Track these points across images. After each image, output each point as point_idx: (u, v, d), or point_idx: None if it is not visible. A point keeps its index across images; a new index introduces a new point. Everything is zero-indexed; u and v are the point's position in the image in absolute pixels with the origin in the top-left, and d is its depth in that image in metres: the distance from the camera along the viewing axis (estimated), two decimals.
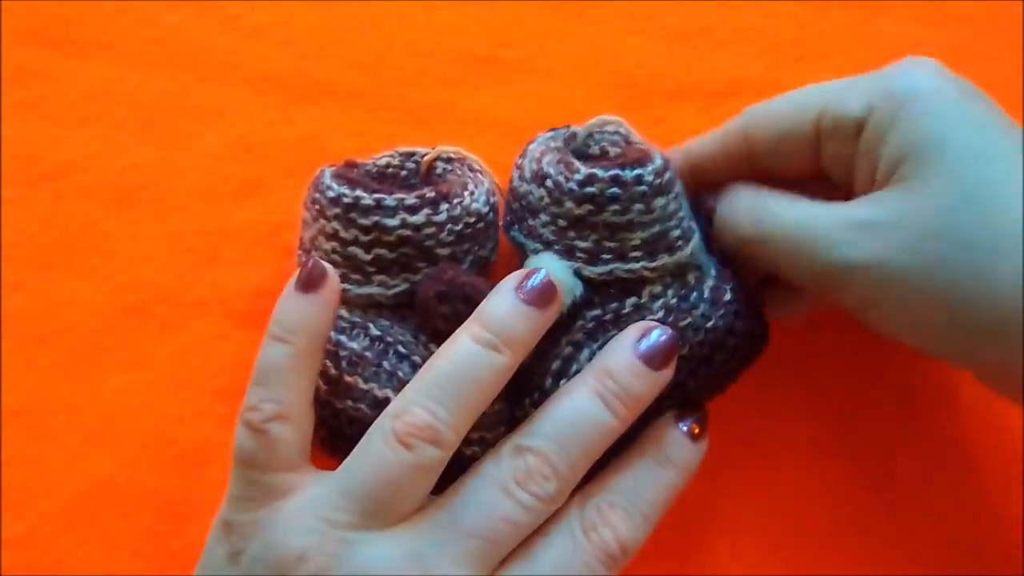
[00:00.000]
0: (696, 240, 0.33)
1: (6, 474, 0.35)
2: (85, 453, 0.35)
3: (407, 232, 0.31)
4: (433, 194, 0.31)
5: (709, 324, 0.31)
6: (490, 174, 0.34)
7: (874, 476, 0.35)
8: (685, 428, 0.31)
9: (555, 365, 0.31)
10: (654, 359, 0.29)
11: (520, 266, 0.32)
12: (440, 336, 0.31)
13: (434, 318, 0.30)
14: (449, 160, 0.35)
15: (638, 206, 0.31)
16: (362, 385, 0.30)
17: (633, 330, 0.30)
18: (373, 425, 0.28)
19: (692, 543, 0.35)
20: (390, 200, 0.31)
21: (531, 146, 0.34)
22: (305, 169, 0.34)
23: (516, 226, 0.33)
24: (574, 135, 0.35)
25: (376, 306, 0.32)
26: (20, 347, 0.36)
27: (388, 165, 0.35)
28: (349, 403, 0.30)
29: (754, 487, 0.35)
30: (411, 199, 0.31)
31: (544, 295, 0.29)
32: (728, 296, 0.32)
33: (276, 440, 0.28)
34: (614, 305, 0.32)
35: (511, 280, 0.29)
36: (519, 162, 0.34)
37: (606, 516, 0.28)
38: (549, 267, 0.31)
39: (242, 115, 0.39)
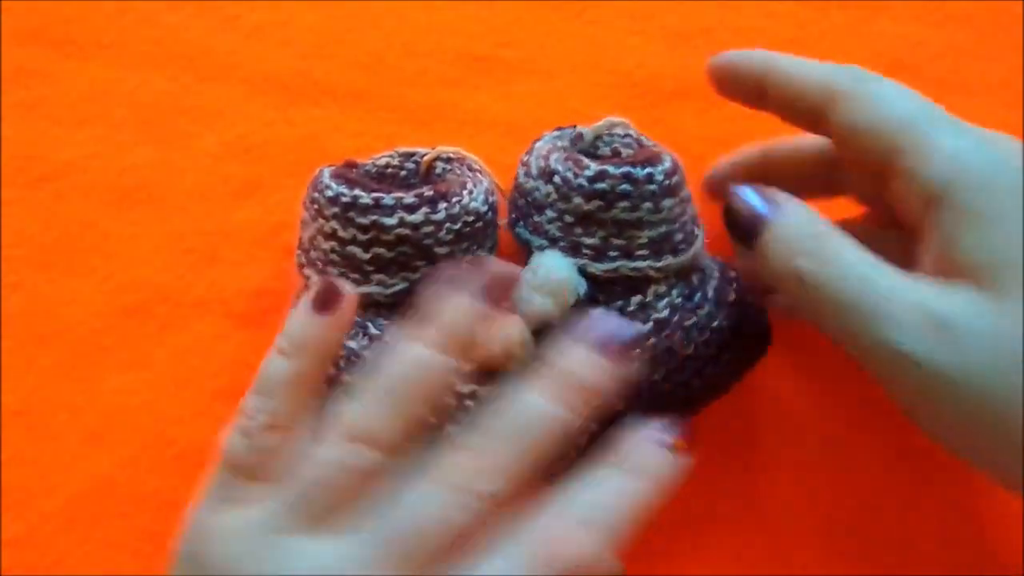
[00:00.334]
0: (699, 243, 0.33)
1: (6, 474, 0.35)
2: (85, 453, 0.35)
3: (405, 231, 0.31)
4: (431, 193, 0.31)
5: (714, 324, 0.31)
6: (489, 174, 0.34)
7: (876, 477, 0.35)
8: (661, 438, 0.27)
9: None
10: (607, 348, 0.27)
11: (524, 263, 0.32)
12: None
13: None
14: (449, 160, 0.35)
15: (647, 204, 0.31)
16: None
17: (587, 320, 0.28)
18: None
19: (692, 543, 0.35)
20: (388, 199, 0.31)
21: (538, 144, 0.34)
22: (305, 169, 0.33)
23: (521, 223, 0.33)
24: (581, 135, 0.35)
25: (375, 305, 0.32)
26: (20, 347, 0.36)
27: (388, 165, 0.35)
28: None
29: (755, 487, 0.35)
30: (409, 198, 0.31)
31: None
32: (732, 296, 0.32)
33: (265, 450, 0.28)
34: (618, 303, 0.32)
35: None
36: (525, 159, 0.34)
37: (560, 527, 0.25)
38: (554, 264, 0.31)
39: (242, 115, 0.39)
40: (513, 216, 0.34)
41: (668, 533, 0.35)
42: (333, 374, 0.31)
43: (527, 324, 0.31)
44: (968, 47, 0.41)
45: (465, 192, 0.32)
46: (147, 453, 0.36)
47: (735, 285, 0.33)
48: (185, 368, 0.36)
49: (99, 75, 0.40)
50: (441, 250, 0.31)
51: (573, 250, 0.32)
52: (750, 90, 0.33)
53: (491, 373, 0.31)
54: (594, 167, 0.31)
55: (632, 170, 0.31)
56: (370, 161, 0.35)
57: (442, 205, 0.31)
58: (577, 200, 0.31)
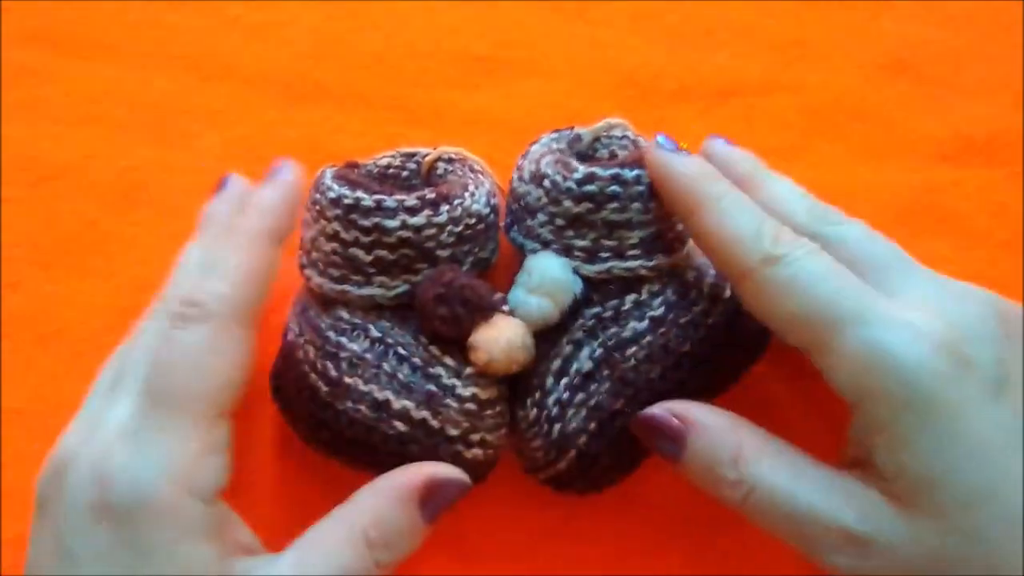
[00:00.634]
0: (691, 243, 0.33)
1: (6, 474, 0.35)
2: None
3: (407, 233, 0.31)
4: (433, 195, 0.31)
5: (709, 321, 0.31)
6: (491, 175, 0.34)
7: None
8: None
9: (555, 364, 0.31)
10: None
11: (519, 267, 0.32)
12: (440, 338, 0.31)
13: (433, 320, 0.30)
14: (450, 161, 0.35)
15: (636, 205, 0.31)
16: (362, 387, 0.30)
17: None
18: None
19: (692, 543, 0.35)
20: (390, 201, 0.31)
21: (533, 147, 0.34)
22: (306, 169, 0.33)
23: (515, 227, 0.33)
24: (579, 137, 0.35)
25: (377, 307, 0.32)
26: (20, 347, 0.36)
27: (389, 166, 0.35)
28: (349, 405, 0.30)
29: None
30: (411, 200, 0.31)
31: None
32: (727, 293, 0.32)
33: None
34: (614, 302, 0.32)
35: None
36: (520, 163, 0.34)
37: (186, 294, 0.28)
38: (548, 264, 0.31)
39: (243, 115, 0.39)
40: (508, 220, 0.34)
41: (667, 533, 0.35)
42: (334, 376, 0.31)
43: (528, 327, 0.31)
44: (968, 47, 0.41)
45: (467, 194, 0.32)
46: None
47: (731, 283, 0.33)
48: None
49: (99, 75, 0.40)
50: (443, 252, 0.31)
51: (565, 252, 0.32)
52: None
53: (491, 376, 0.31)
54: (583, 170, 0.31)
55: (621, 172, 0.31)
56: (371, 161, 0.35)
57: (444, 207, 0.31)
58: (567, 203, 0.31)
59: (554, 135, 0.35)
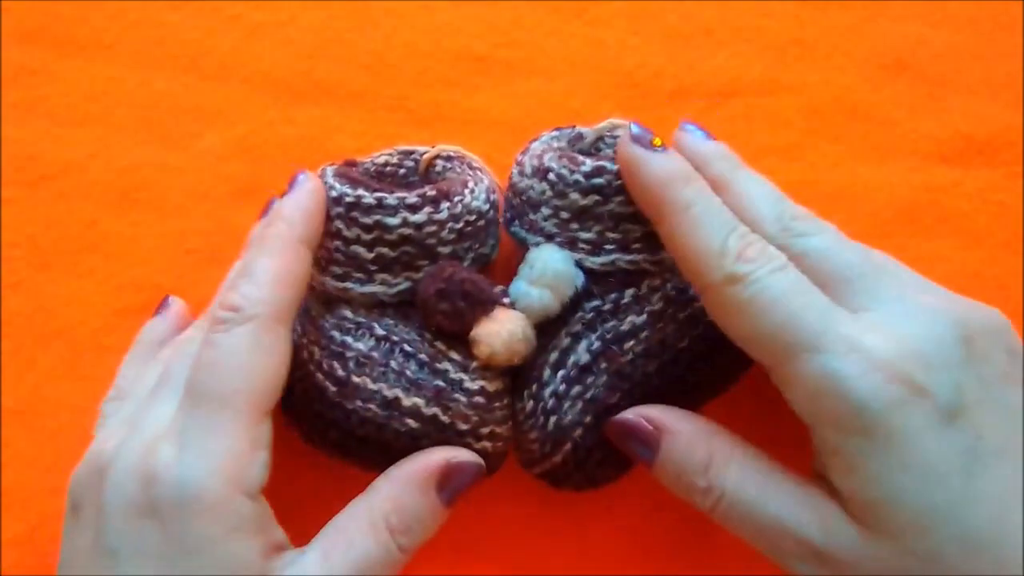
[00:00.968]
0: None
1: (6, 474, 0.35)
2: (85, 453, 0.35)
3: (408, 231, 0.31)
4: (434, 192, 0.31)
5: (708, 317, 0.31)
6: (490, 172, 0.35)
7: None
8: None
9: (553, 356, 0.32)
10: None
11: (520, 261, 0.32)
12: (442, 333, 0.31)
13: (435, 315, 0.31)
14: (449, 158, 0.35)
15: None
16: (371, 385, 0.30)
17: None
18: None
19: (692, 543, 0.35)
20: (391, 199, 0.31)
21: (534, 144, 0.34)
22: (306, 169, 0.33)
23: (516, 222, 0.33)
24: (580, 135, 0.35)
25: (380, 305, 0.32)
26: (20, 347, 0.36)
27: (387, 164, 0.35)
28: (359, 404, 0.30)
29: None
30: (412, 198, 0.31)
31: None
32: None
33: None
34: (613, 296, 0.32)
35: None
36: (519, 159, 0.34)
37: (221, 299, 0.29)
38: (550, 257, 0.31)
39: (242, 115, 0.39)
40: (508, 215, 0.34)
41: (666, 533, 0.35)
42: (342, 376, 0.31)
43: (528, 318, 0.31)
44: (968, 47, 0.41)
45: (467, 191, 0.32)
46: None
47: None
48: None
49: (99, 75, 0.40)
50: (444, 249, 0.31)
51: (569, 245, 0.32)
52: None
53: (495, 368, 0.31)
54: (590, 163, 0.32)
55: None
56: (369, 159, 0.35)
57: (444, 204, 0.31)
58: (574, 195, 0.31)
59: (555, 133, 0.35)
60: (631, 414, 0.30)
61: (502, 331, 0.30)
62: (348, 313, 0.32)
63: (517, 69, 0.40)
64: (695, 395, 0.32)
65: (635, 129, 0.31)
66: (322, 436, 0.31)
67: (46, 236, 0.38)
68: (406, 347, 0.31)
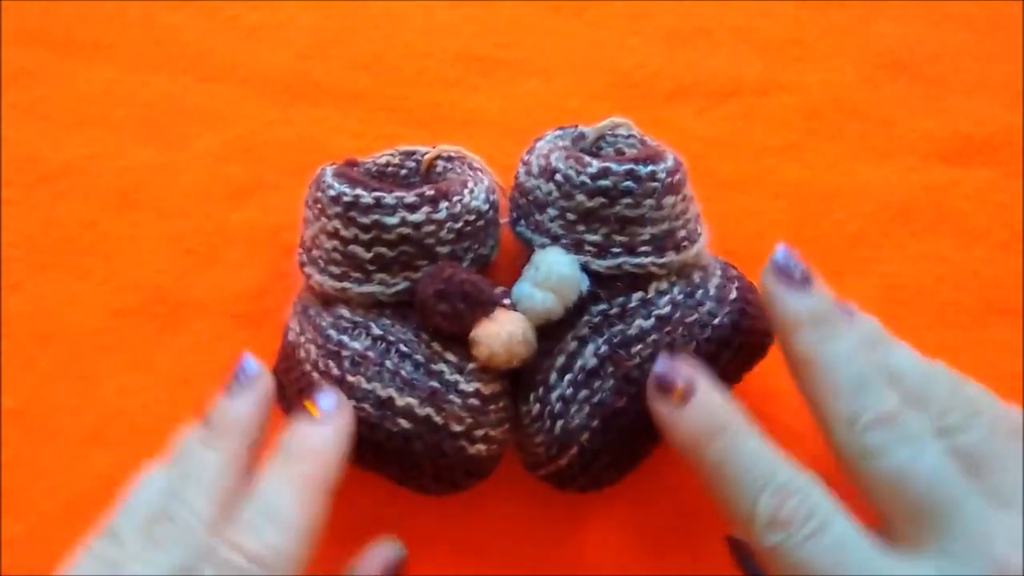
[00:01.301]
0: (702, 241, 0.33)
1: (6, 474, 0.35)
2: (85, 453, 0.35)
3: (407, 230, 0.31)
4: (433, 192, 0.31)
5: (715, 321, 0.31)
6: (490, 173, 0.34)
7: None
8: (303, 415, 0.29)
9: (560, 361, 0.31)
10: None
11: (525, 262, 0.32)
12: (440, 334, 0.31)
13: (433, 316, 0.30)
14: (449, 159, 0.35)
15: (649, 201, 0.31)
16: (365, 385, 0.30)
17: None
18: None
19: (691, 543, 0.35)
20: (390, 198, 0.31)
21: (539, 143, 0.34)
22: (305, 169, 0.34)
23: (522, 222, 0.33)
24: (582, 135, 0.35)
25: (377, 305, 0.32)
26: (20, 347, 0.37)
27: (388, 164, 0.35)
28: (353, 403, 0.30)
29: None
30: (411, 197, 0.31)
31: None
32: (733, 295, 0.32)
33: None
34: (620, 299, 0.32)
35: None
36: (526, 158, 0.34)
37: (235, 541, 0.25)
38: (556, 260, 0.31)
39: (242, 115, 0.39)
40: (514, 215, 0.34)
41: (668, 532, 0.35)
42: (337, 375, 0.31)
43: (529, 320, 0.31)
44: (968, 47, 0.41)
45: (466, 191, 0.32)
46: (147, 453, 0.35)
47: (736, 284, 0.33)
48: (185, 368, 0.36)
49: (99, 75, 0.40)
50: (442, 249, 0.31)
51: (576, 247, 0.32)
52: None
53: (493, 370, 0.31)
54: (597, 164, 0.31)
55: (635, 167, 0.31)
56: (370, 159, 0.35)
57: (443, 204, 0.31)
58: (580, 197, 0.31)
59: (558, 132, 0.35)
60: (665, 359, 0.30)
61: (502, 332, 0.30)
62: (345, 312, 0.32)
63: (516, 69, 0.40)
64: None
65: (780, 255, 0.30)
66: None
67: (46, 236, 0.38)
68: (402, 347, 0.31)
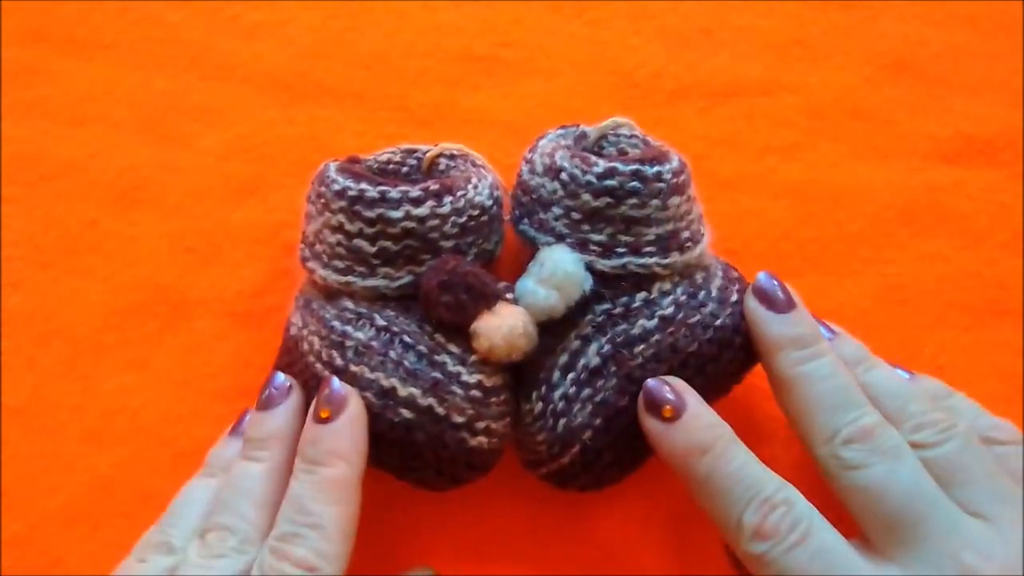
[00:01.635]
0: (705, 242, 0.33)
1: (6, 474, 0.35)
2: (85, 453, 0.35)
3: (411, 224, 0.31)
4: (437, 186, 0.31)
5: (717, 322, 0.31)
6: (493, 171, 0.34)
7: None
8: (314, 418, 0.29)
9: (563, 359, 0.31)
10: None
11: (528, 259, 0.32)
12: (443, 326, 0.31)
13: (437, 308, 0.30)
14: (452, 157, 0.35)
15: (655, 202, 0.31)
16: (368, 374, 0.30)
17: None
18: None
19: (691, 542, 0.35)
20: (394, 192, 0.31)
21: (541, 141, 0.34)
22: (305, 168, 0.34)
23: (526, 220, 0.33)
24: (584, 134, 0.35)
25: (381, 298, 0.32)
26: (20, 347, 0.36)
27: (389, 161, 0.36)
28: None
29: None
30: (415, 191, 0.31)
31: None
32: (735, 297, 0.32)
33: None
34: (624, 299, 0.32)
35: None
36: (529, 156, 0.34)
37: (281, 551, 0.27)
38: (561, 258, 0.31)
39: (242, 115, 0.39)
40: (516, 213, 0.34)
41: (665, 534, 0.35)
42: (340, 364, 0.30)
43: (531, 316, 0.31)
44: (968, 47, 0.41)
45: (470, 186, 0.32)
46: (147, 453, 0.35)
47: (738, 285, 0.33)
48: (185, 368, 0.36)
49: (99, 75, 0.40)
50: (446, 243, 0.31)
51: (580, 247, 0.32)
52: None
53: (494, 363, 0.31)
54: (603, 164, 0.31)
55: (641, 167, 0.31)
56: (372, 157, 0.35)
57: (447, 199, 0.31)
58: (585, 197, 0.31)
59: (560, 131, 0.35)
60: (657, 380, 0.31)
61: (503, 325, 0.30)
62: (349, 304, 0.32)
63: (517, 69, 0.40)
64: (702, 396, 0.32)
65: (763, 278, 0.32)
66: None
67: (46, 236, 0.38)
68: (406, 338, 0.31)
